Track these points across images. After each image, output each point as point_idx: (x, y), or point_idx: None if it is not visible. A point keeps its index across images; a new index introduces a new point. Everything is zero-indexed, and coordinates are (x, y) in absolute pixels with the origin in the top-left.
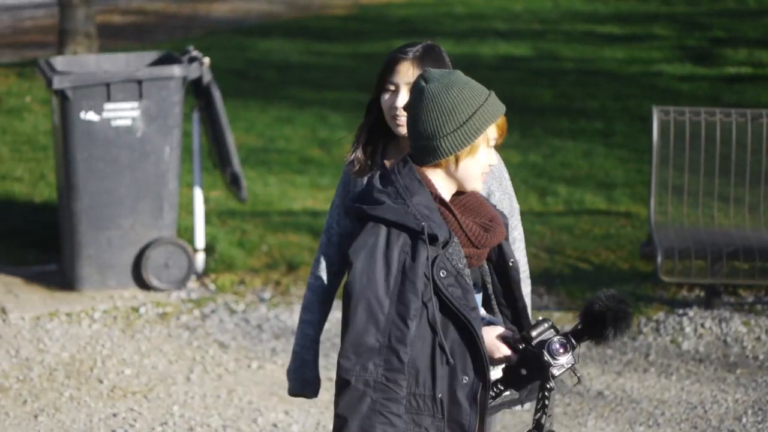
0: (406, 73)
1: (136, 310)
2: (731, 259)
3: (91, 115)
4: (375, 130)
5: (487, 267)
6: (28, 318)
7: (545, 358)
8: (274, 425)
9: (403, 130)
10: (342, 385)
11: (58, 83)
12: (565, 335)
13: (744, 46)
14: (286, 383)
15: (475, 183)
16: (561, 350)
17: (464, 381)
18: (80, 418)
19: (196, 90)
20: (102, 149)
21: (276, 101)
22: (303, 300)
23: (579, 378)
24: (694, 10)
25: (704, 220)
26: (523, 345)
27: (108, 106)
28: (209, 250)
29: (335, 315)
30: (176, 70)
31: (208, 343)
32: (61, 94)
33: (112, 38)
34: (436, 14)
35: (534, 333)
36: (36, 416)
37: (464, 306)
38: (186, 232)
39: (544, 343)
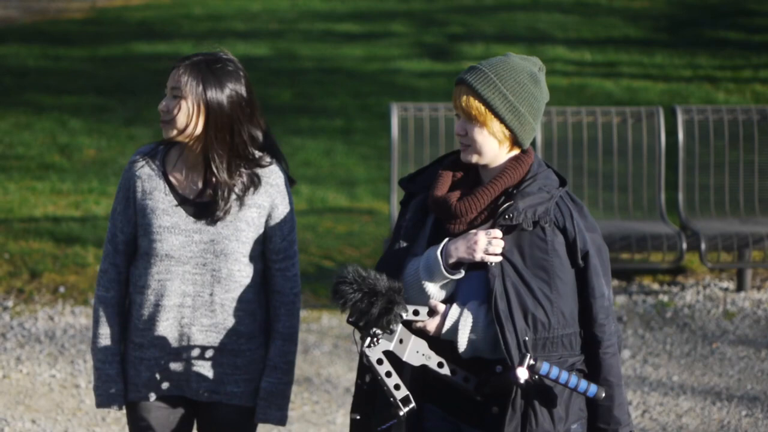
0: (173, 79)
1: None
2: None
3: None
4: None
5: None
6: None
7: None
8: None
9: (169, 133)
10: None
11: None
12: None
13: (481, 41)
14: (32, 391)
15: None
16: None
17: None
18: None
19: None
20: None
21: (13, 107)
22: (95, 314)
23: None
24: (431, 6)
25: None
26: None
27: None
28: None
29: (68, 320)
30: None
31: None
32: None
33: None
34: (174, 16)
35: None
36: None
37: None
38: None
39: None
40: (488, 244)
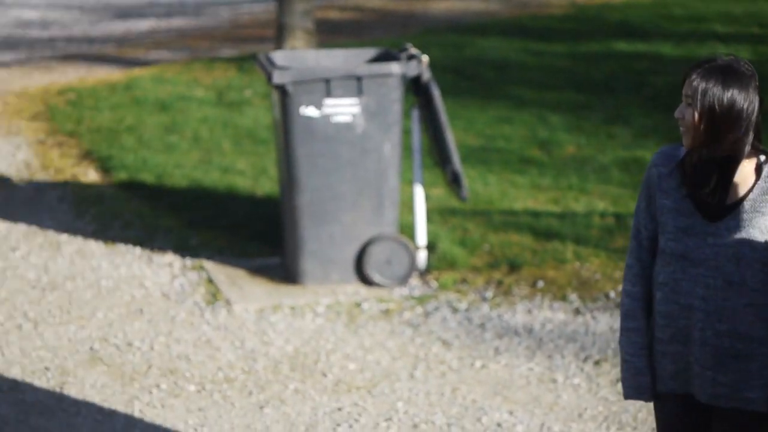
0: (687, 87)
1: (358, 305)
2: None
3: (311, 111)
4: None
5: None
6: (253, 310)
7: None
8: (498, 425)
9: (684, 140)
10: None
11: (278, 78)
12: None
13: None
14: (510, 383)
15: None
16: None
17: None
18: (305, 411)
19: (414, 88)
20: (322, 145)
21: (494, 100)
22: (622, 307)
23: None
24: None
25: None
26: None
27: (328, 101)
28: (430, 247)
29: (546, 315)
30: (395, 68)
31: (431, 341)
32: (282, 89)
33: (329, 34)
34: (654, 16)
35: None
36: (262, 408)
37: None
38: (407, 230)
39: None
40: None
